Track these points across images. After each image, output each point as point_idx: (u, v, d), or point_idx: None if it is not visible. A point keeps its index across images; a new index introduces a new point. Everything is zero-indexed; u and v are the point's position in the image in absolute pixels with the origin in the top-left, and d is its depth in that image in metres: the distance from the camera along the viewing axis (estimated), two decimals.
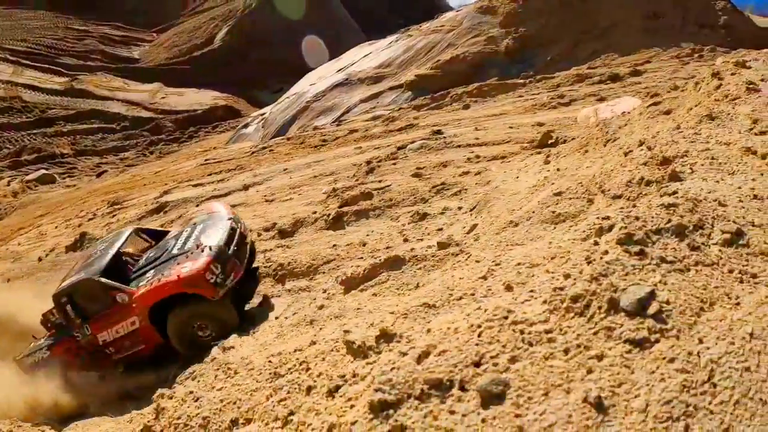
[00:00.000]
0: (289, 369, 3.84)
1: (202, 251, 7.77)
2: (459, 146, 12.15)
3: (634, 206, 3.15)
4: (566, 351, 2.30)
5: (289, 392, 3.40)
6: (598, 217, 3.15)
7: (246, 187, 14.48)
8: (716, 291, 2.57)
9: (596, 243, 2.86)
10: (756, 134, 4.96)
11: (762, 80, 6.63)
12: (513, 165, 9.67)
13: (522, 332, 2.42)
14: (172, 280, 7.57)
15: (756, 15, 29.47)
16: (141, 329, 8.20)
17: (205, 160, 23.54)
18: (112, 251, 8.68)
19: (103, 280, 7.95)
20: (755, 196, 3.55)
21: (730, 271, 2.73)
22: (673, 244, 2.81)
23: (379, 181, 10.92)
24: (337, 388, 2.83)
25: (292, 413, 3.12)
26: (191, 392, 4.35)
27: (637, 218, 2.92)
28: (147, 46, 58.30)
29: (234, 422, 3.69)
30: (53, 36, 54.55)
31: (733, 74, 7.02)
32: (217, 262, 7.55)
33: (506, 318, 2.52)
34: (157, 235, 9.60)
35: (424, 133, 14.18)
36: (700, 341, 2.26)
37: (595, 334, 2.33)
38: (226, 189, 15.06)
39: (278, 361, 4.10)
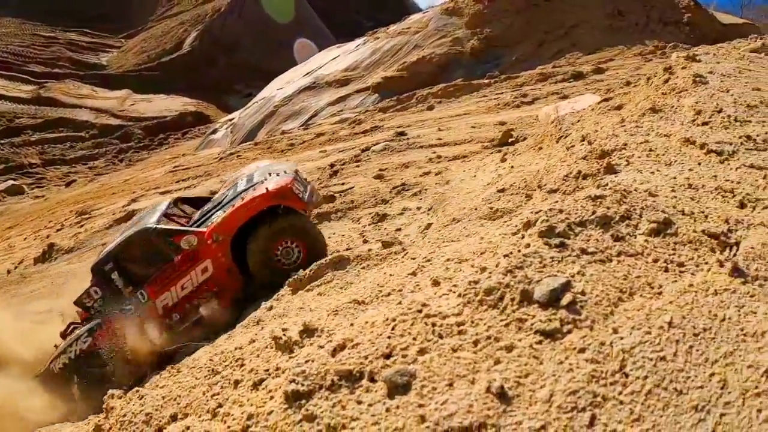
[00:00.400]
0: (226, 366, 3.91)
1: (278, 175, 7.11)
2: (421, 147, 12.18)
3: (562, 200, 3.15)
4: (476, 343, 2.30)
5: (222, 387, 3.48)
6: (531, 212, 3.15)
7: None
8: (638, 281, 2.56)
9: (522, 237, 2.85)
10: (698, 125, 5.01)
11: (710, 73, 6.70)
12: (472, 164, 9.70)
13: (434, 325, 2.43)
14: (260, 194, 6.69)
15: (719, 12, 29.88)
16: (215, 274, 7.05)
17: (174, 167, 23.39)
18: (159, 212, 7.46)
19: (162, 226, 6.93)
20: (690, 185, 3.58)
21: (655, 261, 2.72)
22: (597, 235, 2.80)
23: (342, 184, 10.90)
24: (261, 381, 2.93)
25: (220, 405, 3.18)
26: (137, 390, 4.35)
27: (560, 211, 2.91)
28: (115, 52, 57.74)
29: (173, 417, 3.73)
30: (20, 43, 53.82)
31: (683, 68, 7.10)
32: (297, 182, 6.92)
33: (420, 312, 2.53)
34: (200, 202, 8.31)
35: (388, 134, 14.19)
36: (615, 331, 2.24)
37: (506, 325, 2.32)
38: (193, 196, 14.96)
39: (218, 359, 4.15)
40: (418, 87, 20.51)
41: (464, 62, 22.26)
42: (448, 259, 3.27)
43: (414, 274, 3.39)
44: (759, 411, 2.00)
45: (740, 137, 4.57)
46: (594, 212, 2.92)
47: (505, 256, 2.66)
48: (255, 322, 5.15)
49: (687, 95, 5.86)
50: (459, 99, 17.95)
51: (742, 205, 3.42)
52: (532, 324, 2.29)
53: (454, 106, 17.20)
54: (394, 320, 2.56)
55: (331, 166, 12.41)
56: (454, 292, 2.61)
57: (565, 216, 2.88)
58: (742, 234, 3.03)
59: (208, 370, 4.05)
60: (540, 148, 7.36)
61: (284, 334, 3.25)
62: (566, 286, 2.41)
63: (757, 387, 2.07)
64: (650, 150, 4.36)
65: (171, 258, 7.04)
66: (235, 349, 4.17)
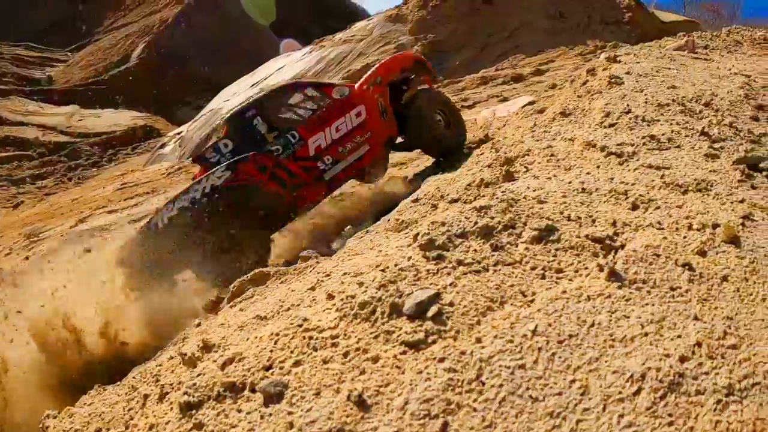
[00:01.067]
0: (144, 381, 4.01)
1: None
2: None
3: (447, 212, 3.25)
4: (345, 354, 2.42)
5: (136, 401, 3.58)
6: (430, 223, 3.25)
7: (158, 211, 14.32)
8: (511, 289, 2.66)
9: (406, 250, 2.95)
10: (604, 127, 5.15)
11: (627, 73, 6.90)
12: (408, 173, 9.85)
13: (311, 338, 2.57)
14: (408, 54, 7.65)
15: (661, 10, 30.49)
16: (369, 119, 7.34)
17: (122, 184, 23.11)
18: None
19: (313, 80, 7.36)
20: (583, 190, 3.70)
21: (533, 268, 2.82)
22: (477, 246, 2.90)
23: None
24: (166, 394, 3.07)
25: (131, 418, 3.34)
26: (68, 408, 4.44)
27: (442, 223, 3.01)
28: (61, 66, 56.74)
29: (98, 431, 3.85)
30: None
31: (604, 69, 7.29)
32: None
33: (300, 326, 2.64)
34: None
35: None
36: (478, 341, 2.34)
37: (375, 337, 2.42)
38: (140, 213, 14.86)
39: (140, 376, 4.25)
40: None
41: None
42: (345, 273, 3.36)
43: (313, 288, 3.49)
44: (621, 416, 2.07)
45: (644, 137, 4.74)
46: (476, 223, 3.02)
47: (381, 270, 2.76)
48: (182, 339, 5.21)
49: (600, 97, 6.04)
50: None
51: (634, 207, 3.55)
52: (398, 336, 2.39)
53: None
54: (277, 335, 2.69)
55: None
56: (334, 307, 2.71)
57: (446, 228, 2.98)
58: (628, 237, 3.15)
59: (129, 387, 4.15)
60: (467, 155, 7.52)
61: (188, 351, 3.38)
62: (434, 298, 2.51)
63: (620, 392, 2.15)
64: (552, 155, 4.49)
65: (322, 106, 7.20)
66: (156, 365, 4.28)
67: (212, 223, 6.27)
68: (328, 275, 3.62)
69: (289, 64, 26.10)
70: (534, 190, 3.64)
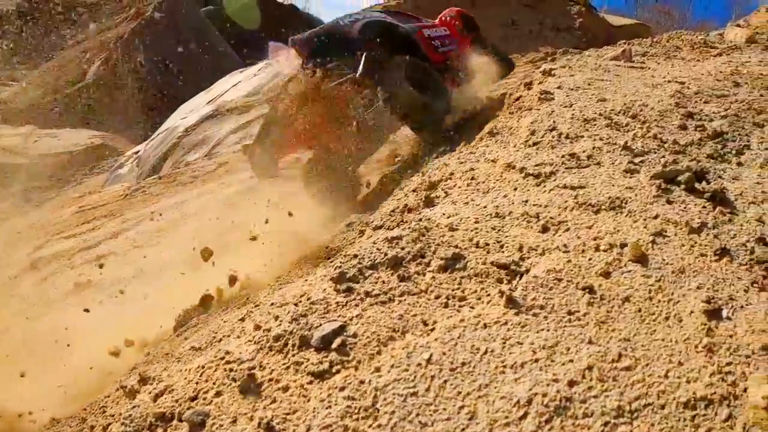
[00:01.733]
0: (92, 413, 4.20)
1: None
2: None
3: (360, 243, 3.44)
4: (260, 385, 2.64)
5: None
6: (343, 256, 3.44)
7: (115, 235, 14.31)
8: (413, 319, 2.87)
9: (319, 282, 3.15)
10: (528, 146, 5.28)
11: (558, 87, 7.05)
12: None
13: (231, 370, 2.77)
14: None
15: (612, 14, 31.02)
16: (452, 33, 10.30)
17: (80, 207, 22.88)
18: None
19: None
20: (497, 214, 3.90)
21: (437, 297, 3.03)
22: (385, 277, 3.12)
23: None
24: (109, 425, 3.30)
25: None
26: None
27: (354, 256, 3.22)
28: (16, 85, 55.82)
29: None
30: None
31: (540, 83, 7.43)
32: None
33: (223, 358, 2.84)
34: None
35: (286, 162, 14.38)
36: (377, 370, 2.55)
37: (286, 368, 2.64)
38: (96, 239, 14.79)
39: (89, 407, 4.51)
40: None
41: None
42: (272, 304, 3.54)
43: (243, 319, 3.66)
44: None
45: (564, 156, 4.90)
46: (386, 254, 3.23)
47: (294, 304, 2.97)
48: (130, 369, 5.34)
49: (528, 114, 6.19)
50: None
51: (544, 230, 3.73)
52: (306, 367, 2.61)
53: None
54: (203, 367, 2.89)
55: (232, 203, 12.59)
56: (254, 339, 2.92)
57: (357, 261, 3.18)
58: (533, 261, 3.33)
59: (79, 420, 4.41)
60: None
61: (129, 383, 3.56)
62: (340, 330, 2.73)
63: (507, 417, 2.34)
64: (472, 178, 4.67)
65: (420, 20, 10.07)
66: (104, 397, 4.44)
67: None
68: (257, 306, 3.81)
69: (245, 80, 26.11)
70: (448, 217, 3.83)
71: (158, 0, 49.76)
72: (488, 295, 3.01)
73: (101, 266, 10.10)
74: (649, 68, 8.79)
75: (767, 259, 3.18)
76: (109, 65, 54.81)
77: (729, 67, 7.85)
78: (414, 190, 4.79)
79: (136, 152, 27.63)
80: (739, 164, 4.67)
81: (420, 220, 3.73)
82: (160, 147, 24.39)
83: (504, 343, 2.64)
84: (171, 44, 52.64)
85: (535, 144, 5.27)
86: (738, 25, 17.09)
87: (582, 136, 5.31)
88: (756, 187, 4.14)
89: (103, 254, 12.01)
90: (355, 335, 2.67)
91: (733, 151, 4.91)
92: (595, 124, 5.63)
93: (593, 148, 5.00)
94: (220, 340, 3.57)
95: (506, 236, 3.60)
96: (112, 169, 29.14)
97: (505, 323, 2.76)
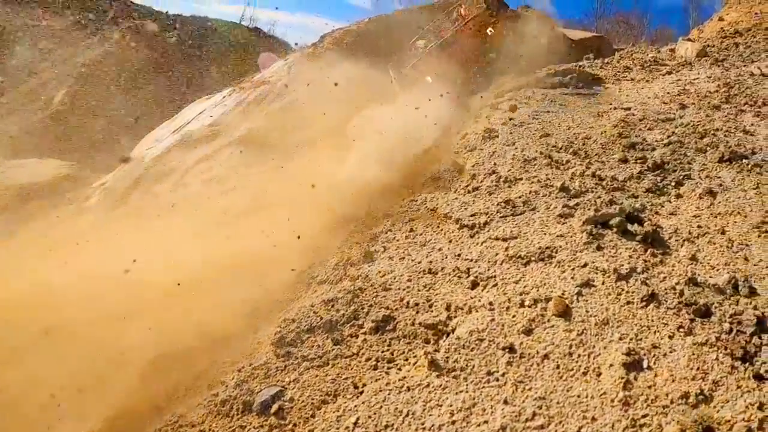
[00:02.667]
0: None
1: None
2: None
3: (298, 305, 3.69)
4: None
5: None
6: (282, 321, 3.68)
7: (81, 276, 14.22)
8: (345, 382, 3.14)
9: (264, 345, 3.40)
10: (468, 192, 5.46)
11: (504, 124, 7.21)
12: None
13: None
14: None
15: (570, 29, 31.46)
16: None
17: (48, 243, 22.71)
18: None
19: None
20: (429, 270, 4.15)
21: (368, 360, 3.29)
22: (321, 340, 3.39)
23: None
24: None
25: None
26: None
27: (293, 320, 3.48)
28: None
29: None
30: None
31: (487, 117, 7.59)
32: None
33: (176, 422, 3.09)
34: None
35: (250, 193, 14.55)
36: None
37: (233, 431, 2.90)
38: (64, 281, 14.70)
39: None
40: (284, 136, 20.94)
41: None
42: (223, 363, 3.78)
43: (198, 377, 3.90)
44: None
45: (500, 203, 5.12)
46: (322, 318, 3.50)
47: (238, 371, 3.23)
48: None
49: (471, 156, 6.37)
50: (315, 147, 18.28)
51: (473, 285, 3.95)
52: (248, 430, 2.88)
53: (308, 157, 17.54)
54: (160, 429, 3.12)
55: (194, 236, 12.65)
56: (204, 403, 3.18)
57: (296, 325, 3.46)
58: (459, 320, 3.56)
59: None
60: None
61: None
62: (278, 395, 3.01)
63: None
64: (411, 230, 4.91)
65: None
66: None
67: None
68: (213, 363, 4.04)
69: (209, 108, 26.22)
70: (383, 275, 4.08)
71: (125, 27, 49.65)
72: (414, 356, 3.23)
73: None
74: (595, 94, 9.02)
75: (696, 302, 3.39)
76: (74, 94, 54.48)
77: (677, 87, 8.13)
78: (357, 243, 5.01)
79: (103, 183, 27.59)
80: (678, 196, 4.89)
81: (357, 278, 3.96)
82: (127, 178, 24.36)
83: (425, 405, 2.86)
84: (135, 72, 52.54)
85: (474, 189, 5.42)
86: (689, 39, 17.60)
87: (520, 179, 5.47)
88: (692, 222, 4.36)
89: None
90: (291, 399, 2.94)
91: (673, 183, 5.13)
92: (535, 164, 5.76)
93: (530, 192, 5.17)
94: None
95: (436, 294, 3.80)
96: (80, 201, 29.01)
97: (428, 385, 2.97)
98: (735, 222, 4.35)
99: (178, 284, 7.30)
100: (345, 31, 25.81)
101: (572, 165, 5.63)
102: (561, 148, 6.07)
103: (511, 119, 7.09)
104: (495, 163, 5.63)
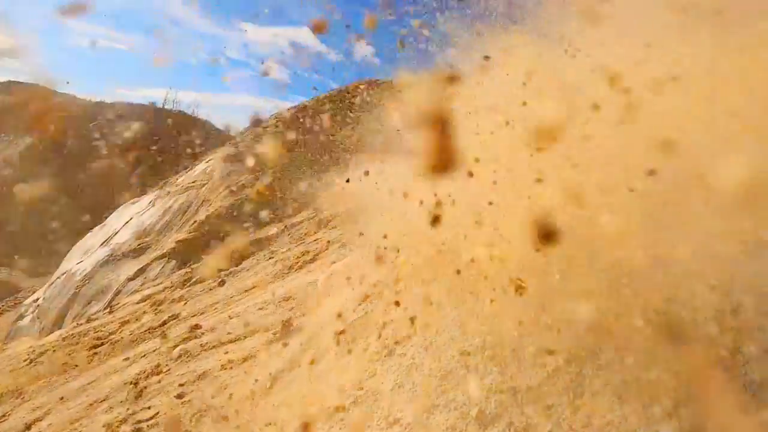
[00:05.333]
0: None
1: None
2: (215, 347, 12.93)
3: None
4: None
5: None
6: None
7: (28, 427, 14.16)
8: None
9: None
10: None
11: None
12: (256, 367, 10.65)
13: None
14: None
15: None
16: None
17: None
18: None
19: None
20: None
21: None
22: None
23: (148, 408, 11.43)
24: None
25: None
26: None
27: None
28: None
29: None
30: None
31: None
32: None
33: None
34: None
35: (184, 328, 14.89)
36: None
37: None
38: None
39: None
40: (212, 246, 21.35)
41: (251, 211, 23.24)
42: None
43: None
44: None
45: None
46: None
47: None
48: None
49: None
50: (248, 267, 18.86)
51: None
52: None
53: (242, 276, 17.94)
54: None
55: (135, 384, 12.93)
56: None
57: None
58: None
59: None
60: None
61: None
62: None
63: None
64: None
65: None
66: None
67: None
68: None
69: (135, 217, 26.43)
70: None
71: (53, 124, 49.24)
72: None
73: None
74: None
75: None
76: (3, 193, 53.37)
77: None
78: None
79: (36, 300, 27.35)
80: None
81: None
82: (59, 297, 24.32)
83: None
84: (56, 176, 51.90)
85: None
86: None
87: None
88: None
89: None
90: None
91: None
92: None
93: None
94: None
95: None
96: (13, 321, 28.60)
97: None
98: None
99: None
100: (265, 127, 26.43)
101: None
102: None
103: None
104: None
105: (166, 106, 58.90)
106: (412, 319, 6.32)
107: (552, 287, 5.08)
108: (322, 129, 25.92)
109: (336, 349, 7.62)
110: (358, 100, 25.56)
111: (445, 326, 5.87)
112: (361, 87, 27.51)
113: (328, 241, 17.48)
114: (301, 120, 27.28)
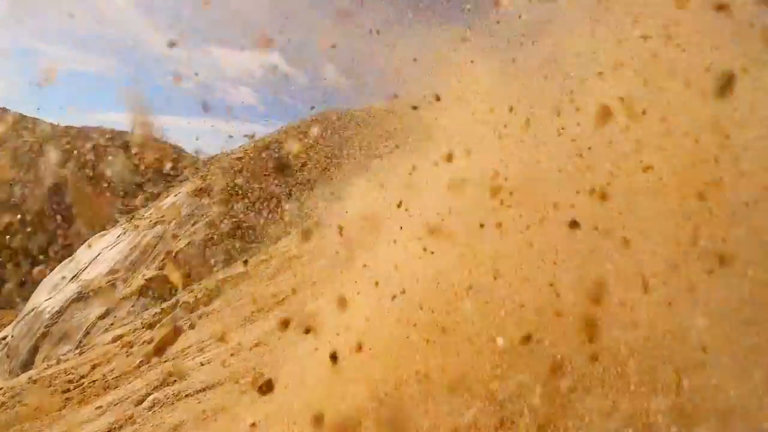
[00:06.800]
0: None
1: None
2: (188, 395, 12.97)
3: None
4: None
5: None
6: None
7: None
8: None
9: None
10: None
11: None
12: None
13: None
14: None
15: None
16: None
17: None
18: None
19: None
20: None
21: None
22: None
23: None
24: None
25: None
26: None
27: None
28: None
29: None
30: None
31: None
32: None
33: None
34: None
35: (156, 375, 14.89)
36: None
37: None
38: None
39: None
40: (183, 284, 21.38)
41: (221, 247, 23.35)
42: None
43: None
44: None
45: None
46: None
47: None
48: None
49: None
50: (217, 308, 18.90)
51: None
52: None
53: (212, 319, 18.03)
54: None
55: None
56: None
57: None
58: None
59: None
60: None
61: None
62: None
63: None
64: None
65: None
66: None
67: None
68: None
69: (104, 252, 26.30)
70: None
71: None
72: None
73: None
74: None
75: None
76: None
77: None
78: None
79: (5, 338, 27.07)
80: None
81: None
82: (28, 336, 24.10)
83: None
84: (37, 203, 50.99)
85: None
86: None
87: None
88: None
89: None
90: None
91: None
92: None
93: None
94: None
95: None
96: None
97: None
98: None
99: None
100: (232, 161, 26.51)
101: None
102: None
103: None
104: None
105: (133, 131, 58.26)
106: None
107: None
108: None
109: None
110: None
111: None
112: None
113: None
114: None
